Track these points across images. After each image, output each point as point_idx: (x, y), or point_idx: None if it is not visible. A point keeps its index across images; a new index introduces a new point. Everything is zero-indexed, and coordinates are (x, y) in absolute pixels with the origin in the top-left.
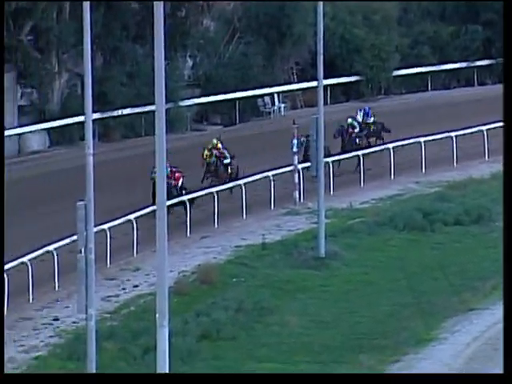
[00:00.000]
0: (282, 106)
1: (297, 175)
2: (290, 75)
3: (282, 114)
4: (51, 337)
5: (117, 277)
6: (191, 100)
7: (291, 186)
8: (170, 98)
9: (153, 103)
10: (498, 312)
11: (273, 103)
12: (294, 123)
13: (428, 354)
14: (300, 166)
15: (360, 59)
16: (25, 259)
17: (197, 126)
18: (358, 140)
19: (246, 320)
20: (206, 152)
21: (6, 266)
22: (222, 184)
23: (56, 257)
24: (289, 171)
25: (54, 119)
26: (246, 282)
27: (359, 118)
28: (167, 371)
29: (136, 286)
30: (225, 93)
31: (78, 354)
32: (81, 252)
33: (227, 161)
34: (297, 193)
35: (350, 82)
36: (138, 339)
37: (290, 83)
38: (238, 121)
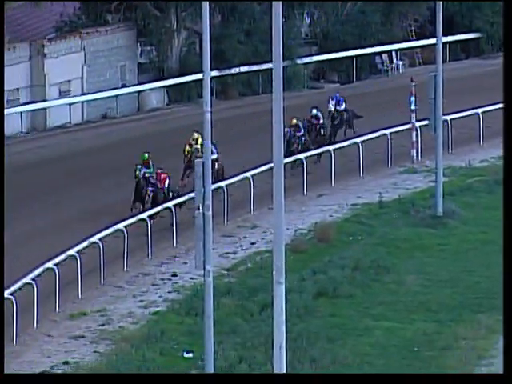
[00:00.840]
0: (400, 63)
1: (415, 133)
2: (408, 32)
3: (400, 71)
4: (169, 292)
5: (234, 234)
6: (308, 57)
7: (409, 143)
8: (288, 56)
9: (270, 61)
10: None
11: (391, 61)
12: (411, 81)
13: None
14: (418, 124)
15: (480, 15)
16: (144, 215)
17: (314, 84)
18: (322, 131)
19: (362, 278)
20: (188, 148)
21: (127, 222)
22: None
23: (175, 213)
24: (407, 129)
25: (173, 77)
26: (363, 241)
27: (331, 106)
28: (284, 328)
29: (253, 243)
30: (342, 50)
31: (195, 309)
32: (199, 209)
33: (214, 156)
34: (414, 151)
35: (470, 39)
36: (255, 296)
37: (409, 40)
38: (355, 78)
